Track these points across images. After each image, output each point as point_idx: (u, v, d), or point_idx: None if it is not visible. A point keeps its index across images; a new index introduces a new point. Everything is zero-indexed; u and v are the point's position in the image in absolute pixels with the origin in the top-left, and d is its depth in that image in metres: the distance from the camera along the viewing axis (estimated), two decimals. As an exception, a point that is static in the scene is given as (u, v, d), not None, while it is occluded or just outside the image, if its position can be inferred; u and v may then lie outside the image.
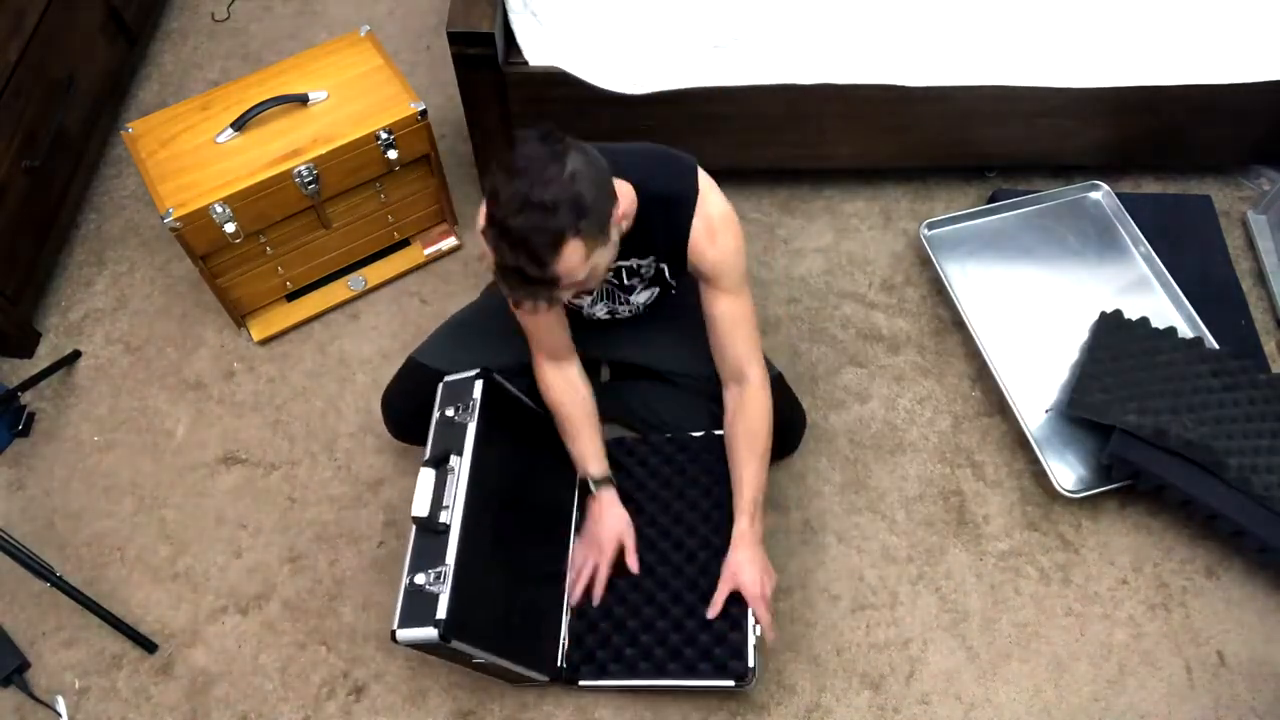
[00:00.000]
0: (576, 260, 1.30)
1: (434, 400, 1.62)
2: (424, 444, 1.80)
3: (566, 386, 1.68)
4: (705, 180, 1.53)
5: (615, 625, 1.66)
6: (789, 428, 1.83)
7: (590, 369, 1.89)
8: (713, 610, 1.60)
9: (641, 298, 1.69)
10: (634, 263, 1.60)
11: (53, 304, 2.19)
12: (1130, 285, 2.06)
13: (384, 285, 2.19)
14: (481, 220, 1.35)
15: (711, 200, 1.52)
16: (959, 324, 2.08)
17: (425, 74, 2.51)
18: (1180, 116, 2.06)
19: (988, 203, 2.22)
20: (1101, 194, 2.17)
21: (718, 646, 1.58)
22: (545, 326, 1.62)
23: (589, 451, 1.68)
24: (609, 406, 1.90)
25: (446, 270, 2.21)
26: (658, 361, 1.83)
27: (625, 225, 1.44)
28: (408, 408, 1.79)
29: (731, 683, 1.55)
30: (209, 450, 1.98)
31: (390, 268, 2.19)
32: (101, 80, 2.34)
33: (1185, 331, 1.95)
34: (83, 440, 2.00)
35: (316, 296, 2.15)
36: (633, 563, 1.66)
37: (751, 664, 1.54)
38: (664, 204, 1.50)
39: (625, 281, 1.65)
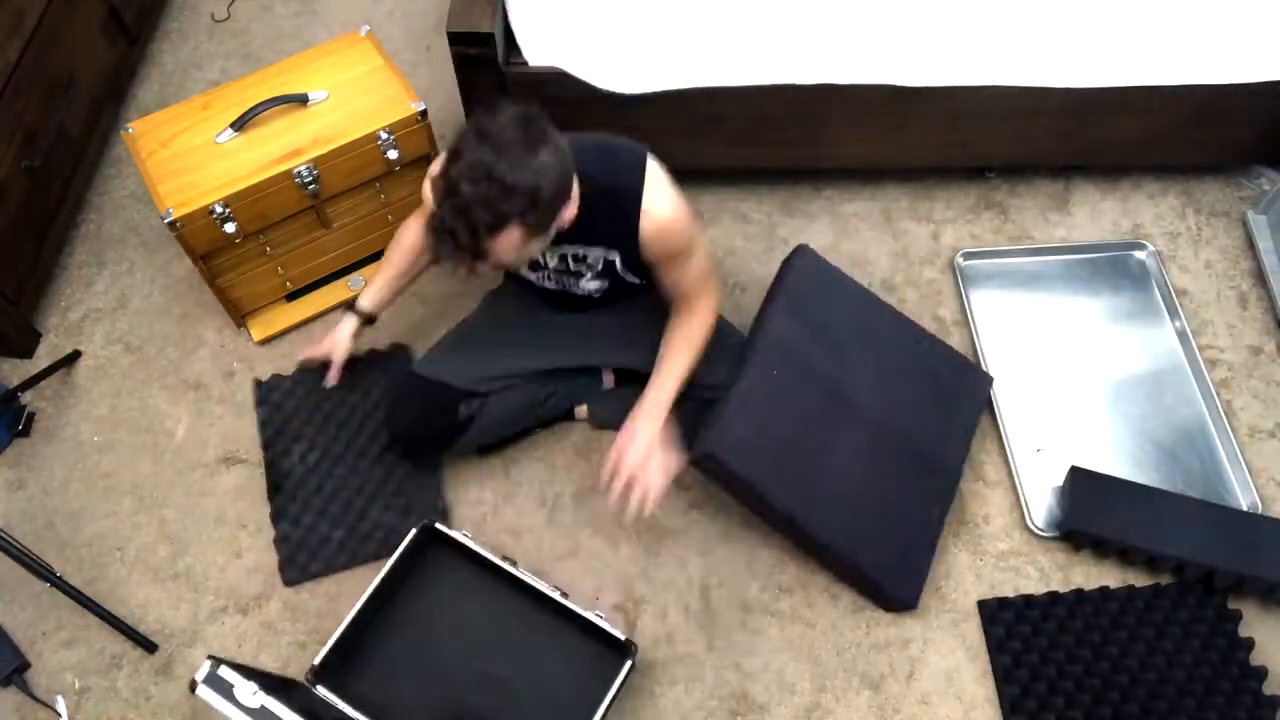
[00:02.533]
0: (510, 245, 1.32)
1: (441, 413, 1.67)
2: (429, 462, 1.82)
3: (417, 235, 1.75)
4: (653, 173, 1.52)
5: None
6: None
7: (593, 377, 1.90)
8: (604, 472, 1.62)
9: (591, 285, 1.70)
10: (580, 250, 1.61)
11: (53, 304, 2.19)
12: (1158, 355, 2.01)
13: (384, 285, 2.19)
14: (435, 168, 1.35)
15: (656, 198, 1.52)
16: (959, 324, 2.08)
17: (425, 74, 2.51)
18: (1180, 116, 2.06)
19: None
20: (1146, 254, 2.15)
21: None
22: None
23: (374, 285, 1.81)
24: (613, 412, 1.91)
25: (446, 270, 2.20)
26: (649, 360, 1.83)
27: (568, 220, 1.44)
28: (414, 424, 1.77)
29: None
30: (209, 450, 1.98)
31: (390, 268, 2.19)
32: (101, 80, 2.34)
33: (1210, 401, 1.92)
34: (83, 440, 2.00)
35: (316, 296, 2.15)
36: (333, 376, 1.85)
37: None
38: (610, 198, 1.50)
39: (572, 268, 1.66)
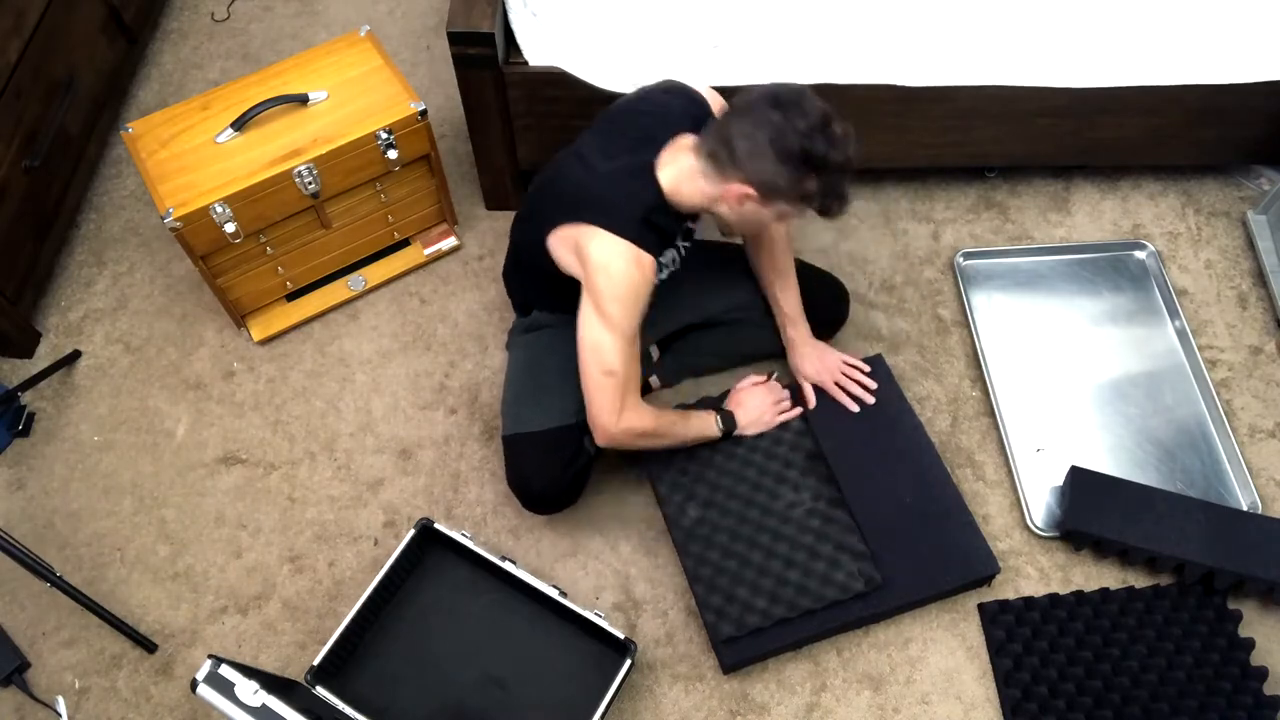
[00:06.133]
0: None
1: (573, 455, 1.70)
2: (559, 509, 1.80)
3: (647, 407, 1.67)
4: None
5: (734, 580, 1.71)
6: (835, 298, 1.99)
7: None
8: (809, 402, 1.87)
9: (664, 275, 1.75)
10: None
11: (53, 304, 2.19)
12: (1158, 355, 2.01)
13: (384, 285, 2.19)
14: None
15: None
16: (959, 324, 2.08)
17: (425, 74, 2.52)
18: (1180, 116, 2.06)
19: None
20: (1146, 254, 2.15)
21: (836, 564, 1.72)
22: (635, 359, 1.62)
23: (693, 420, 1.79)
24: (674, 374, 1.99)
25: (446, 270, 2.21)
26: (699, 314, 1.92)
27: None
28: (556, 476, 1.72)
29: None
30: (209, 450, 1.98)
31: (390, 268, 2.19)
32: (101, 80, 2.34)
33: (1208, 408, 1.93)
34: (83, 440, 2.00)
35: (316, 296, 2.15)
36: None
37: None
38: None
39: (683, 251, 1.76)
